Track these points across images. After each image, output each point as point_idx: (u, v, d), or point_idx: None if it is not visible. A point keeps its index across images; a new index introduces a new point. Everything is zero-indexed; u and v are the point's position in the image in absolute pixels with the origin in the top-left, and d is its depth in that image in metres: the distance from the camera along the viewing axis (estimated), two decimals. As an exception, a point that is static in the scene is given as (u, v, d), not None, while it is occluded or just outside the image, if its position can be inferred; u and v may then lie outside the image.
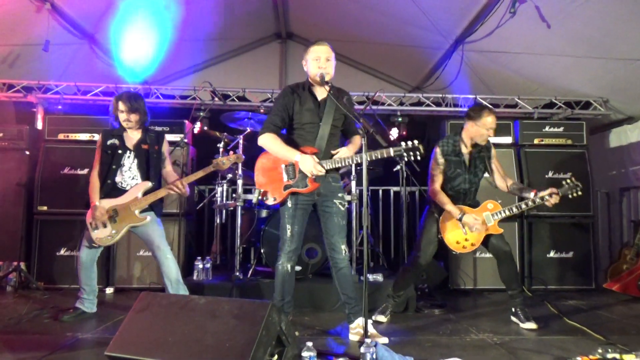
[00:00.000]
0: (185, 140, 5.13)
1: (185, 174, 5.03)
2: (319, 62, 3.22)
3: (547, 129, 5.56)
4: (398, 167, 5.30)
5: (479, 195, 3.95)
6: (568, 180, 3.66)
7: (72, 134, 5.27)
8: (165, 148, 4.01)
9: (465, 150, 3.86)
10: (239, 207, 4.74)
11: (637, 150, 5.80)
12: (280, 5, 6.35)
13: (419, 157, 3.12)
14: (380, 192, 6.77)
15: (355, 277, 4.38)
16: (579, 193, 3.62)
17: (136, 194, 3.72)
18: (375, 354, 2.57)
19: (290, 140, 3.32)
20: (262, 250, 4.61)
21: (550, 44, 4.94)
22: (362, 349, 2.54)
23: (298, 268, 4.45)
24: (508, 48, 5.28)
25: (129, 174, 3.81)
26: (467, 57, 5.73)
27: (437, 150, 3.85)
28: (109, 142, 3.83)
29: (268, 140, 3.26)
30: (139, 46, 5.71)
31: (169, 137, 5.07)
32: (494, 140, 5.41)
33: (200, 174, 3.76)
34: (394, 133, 5.98)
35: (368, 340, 2.60)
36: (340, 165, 3.19)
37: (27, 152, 5.23)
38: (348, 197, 4.66)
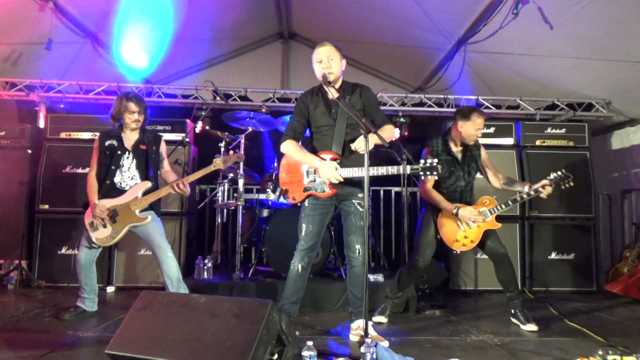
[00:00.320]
0: (187, 140, 5.14)
1: (187, 173, 5.04)
2: (321, 63, 3.24)
3: (549, 130, 5.55)
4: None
5: (475, 195, 3.95)
6: (559, 172, 3.65)
7: (74, 133, 5.28)
8: (163, 149, 4.03)
9: (455, 148, 3.88)
10: (240, 207, 4.74)
11: (639, 153, 5.79)
12: (282, 5, 6.35)
13: (436, 177, 3.13)
14: (382, 192, 6.76)
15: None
16: (571, 184, 3.62)
17: (136, 194, 3.73)
18: (375, 354, 2.57)
19: (312, 144, 3.37)
20: (263, 250, 4.61)
21: (552, 46, 4.93)
22: (363, 349, 2.54)
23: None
24: (510, 49, 5.27)
25: (128, 174, 3.82)
26: (470, 58, 5.72)
27: (427, 150, 3.87)
28: (107, 143, 3.84)
29: (288, 147, 3.31)
30: (141, 45, 5.71)
31: (171, 136, 5.13)
32: (496, 141, 5.48)
33: (201, 173, 3.77)
34: (395, 133, 5.96)
35: (368, 341, 2.59)
36: (358, 175, 3.18)
37: (29, 151, 5.25)
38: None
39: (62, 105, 5.71)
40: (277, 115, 5.46)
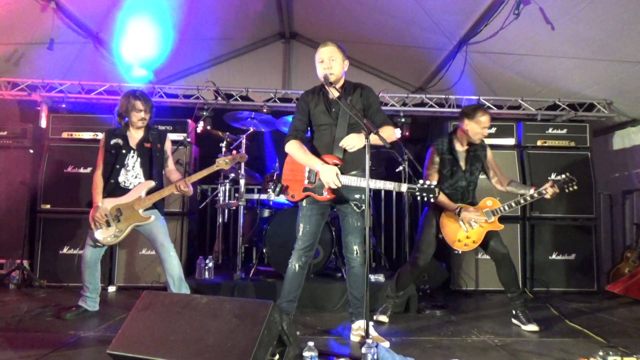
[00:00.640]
0: (188, 140, 5.14)
1: (188, 173, 5.05)
2: (323, 63, 3.24)
3: (550, 130, 5.55)
4: (400, 167, 5.30)
5: (478, 196, 3.95)
6: (563, 175, 3.66)
7: (76, 133, 5.29)
8: (168, 146, 4.03)
9: (460, 148, 3.88)
10: (242, 207, 4.75)
11: (640, 153, 5.80)
12: (284, 5, 6.35)
13: (432, 200, 3.10)
14: (383, 192, 6.76)
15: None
16: (575, 187, 3.63)
17: (139, 193, 3.74)
18: (376, 355, 2.57)
19: (311, 143, 3.38)
20: (264, 250, 4.61)
21: (554, 46, 4.93)
22: (364, 350, 2.54)
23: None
24: (512, 49, 5.27)
25: (132, 172, 3.83)
26: (471, 58, 5.73)
27: (433, 149, 3.88)
28: (112, 142, 3.84)
29: (292, 148, 3.32)
30: (143, 45, 5.72)
31: (172, 136, 5.11)
32: (497, 141, 5.47)
33: (203, 173, 3.78)
34: (397, 134, 5.96)
35: (369, 341, 2.60)
36: (356, 185, 3.17)
37: (31, 151, 5.26)
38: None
39: (63, 105, 5.72)
40: (278, 115, 5.47)
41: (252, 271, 4.68)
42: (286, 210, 4.78)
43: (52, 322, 3.64)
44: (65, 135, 5.28)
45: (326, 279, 4.64)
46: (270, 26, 7.09)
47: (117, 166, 3.80)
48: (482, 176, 3.99)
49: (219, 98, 5.74)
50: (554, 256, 5.32)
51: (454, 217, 3.74)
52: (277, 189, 3.38)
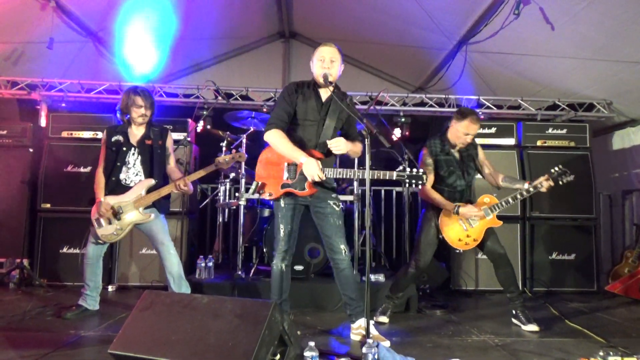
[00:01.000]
0: (188, 139, 5.14)
1: (188, 172, 5.04)
2: (323, 62, 3.24)
3: (550, 130, 5.56)
4: (401, 167, 5.30)
5: (475, 194, 3.96)
6: (557, 168, 3.66)
7: (76, 132, 5.29)
8: (170, 143, 4.01)
9: (452, 148, 3.87)
10: (242, 206, 4.75)
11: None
12: (283, 5, 6.35)
13: (419, 187, 3.13)
14: (383, 192, 6.77)
15: (357, 277, 4.39)
16: (570, 178, 3.63)
17: (140, 192, 3.73)
18: (377, 355, 2.57)
19: (290, 135, 3.25)
20: (264, 250, 4.62)
21: (554, 46, 4.93)
22: (364, 349, 2.54)
23: (300, 268, 4.47)
24: (512, 49, 5.27)
25: (133, 170, 3.82)
26: (471, 58, 5.73)
27: (425, 151, 3.87)
28: (113, 139, 3.84)
29: (275, 137, 3.20)
30: (142, 44, 5.72)
31: (172, 135, 5.09)
32: (497, 141, 5.49)
33: (203, 172, 3.78)
34: (397, 133, 5.98)
35: (370, 341, 2.60)
36: (341, 176, 3.17)
37: (31, 150, 5.26)
38: (349, 197, 4.68)
39: (63, 104, 5.71)
40: (278, 114, 5.45)
41: (252, 270, 4.68)
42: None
43: (52, 321, 3.64)
44: (65, 134, 5.27)
45: (326, 278, 4.63)
46: (270, 25, 7.09)
47: (118, 163, 3.80)
48: (478, 175, 4.00)
49: (219, 97, 5.73)
50: (553, 256, 5.33)
51: (453, 217, 3.73)
52: (253, 188, 3.32)
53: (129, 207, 3.71)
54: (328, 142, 3.18)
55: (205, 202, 6.21)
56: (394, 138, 5.88)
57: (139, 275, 5.05)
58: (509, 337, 3.44)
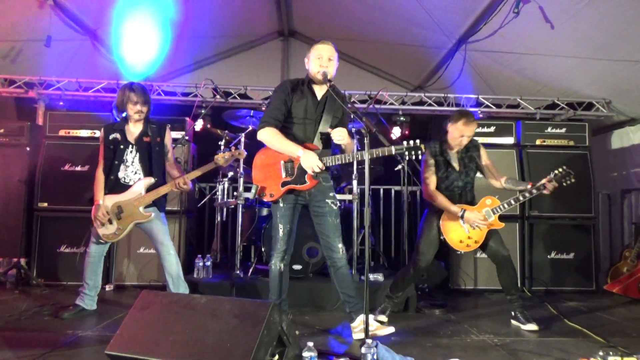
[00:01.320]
0: (187, 138, 5.12)
1: (187, 171, 5.02)
2: (321, 60, 3.22)
3: (549, 129, 5.54)
4: (399, 166, 5.29)
5: (477, 195, 3.94)
6: (560, 169, 3.64)
7: (73, 131, 5.25)
8: (168, 140, 3.96)
9: (451, 150, 3.86)
10: (240, 205, 4.73)
11: (639, 152, 5.79)
12: (283, 3, 6.33)
13: (420, 157, 3.10)
14: (382, 191, 6.76)
15: (355, 276, 4.38)
16: (572, 180, 3.62)
17: (139, 191, 3.71)
18: (376, 354, 2.56)
19: (286, 134, 3.24)
20: (262, 249, 4.60)
21: (553, 45, 4.92)
22: (363, 349, 2.53)
23: (298, 267, 4.45)
24: (511, 48, 5.26)
25: (132, 168, 3.79)
26: (470, 56, 5.72)
27: (427, 152, 3.85)
28: (110, 137, 3.80)
29: (269, 135, 3.19)
30: (140, 43, 5.69)
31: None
32: (496, 140, 5.48)
33: (202, 170, 3.75)
34: (396, 132, 5.96)
35: (369, 341, 2.59)
36: (340, 162, 3.17)
37: (28, 148, 5.22)
38: (348, 197, 4.67)
39: (61, 103, 5.69)
40: (277, 113, 5.44)
41: (250, 270, 4.66)
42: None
43: (49, 321, 3.62)
44: (62, 132, 5.24)
45: (325, 277, 4.60)
46: (269, 24, 7.07)
47: (116, 162, 3.77)
48: (479, 175, 3.98)
49: (218, 96, 5.72)
50: (552, 255, 5.32)
51: (455, 219, 3.72)
52: (253, 191, 3.31)
53: (129, 206, 3.69)
54: (331, 130, 3.17)
55: (203, 202, 6.19)
56: (393, 137, 5.86)
57: (137, 274, 5.03)
58: (509, 337, 3.43)
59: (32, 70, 5.61)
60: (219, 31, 6.55)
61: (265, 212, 5.08)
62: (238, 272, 4.55)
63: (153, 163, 3.82)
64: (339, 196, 4.15)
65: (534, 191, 3.63)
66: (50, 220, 5.08)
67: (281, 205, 3.27)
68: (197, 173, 3.78)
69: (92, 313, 3.85)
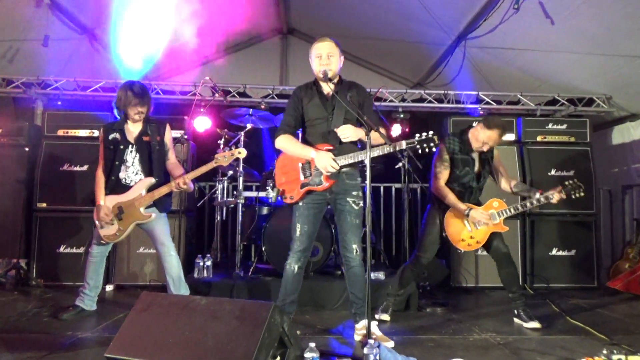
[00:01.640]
0: (185, 137, 5.09)
1: (186, 170, 4.99)
2: (321, 59, 3.21)
3: (550, 126, 5.52)
4: (400, 164, 5.26)
5: (483, 195, 3.91)
6: (571, 181, 3.62)
7: (72, 130, 5.22)
8: (168, 138, 3.91)
9: (472, 150, 3.81)
10: (240, 204, 4.71)
11: (639, 148, 5.77)
12: (281, 1, 6.30)
13: (433, 149, 3.03)
14: (382, 189, 6.74)
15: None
16: (582, 194, 3.59)
17: (140, 191, 3.68)
18: (378, 355, 2.54)
19: (304, 139, 3.33)
20: (263, 248, 4.58)
21: (553, 41, 4.90)
22: (366, 350, 2.51)
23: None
24: (511, 44, 5.23)
25: (132, 169, 3.75)
26: (470, 53, 5.69)
27: (442, 147, 3.78)
28: (110, 137, 3.76)
29: (284, 142, 3.27)
30: (139, 41, 5.66)
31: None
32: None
33: (203, 169, 3.71)
34: (396, 129, 5.94)
35: (371, 341, 2.57)
36: (353, 160, 3.14)
37: (27, 149, 5.19)
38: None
39: (59, 102, 5.66)
40: (276, 112, 5.41)
41: (251, 269, 4.65)
42: (285, 207, 4.73)
43: (49, 322, 3.60)
44: (61, 132, 5.21)
45: (326, 277, 4.62)
46: (267, 22, 7.03)
47: (117, 162, 3.73)
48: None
49: (217, 95, 5.69)
50: (554, 252, 5.31)
51: (460, 216, 3.69)
52: (275, 194, 3.34)
53: (129, 207, 3.67)
54: (336, 130, 3.16)
55: (203, 201, 6.17)
56: (393, 134, 5.84)
57: (137, 274, 5.00)
58: (511, 335, 3.41)
59: (30, 70, 5.57)
60: (217, 29, 6.51)
61: (265, 211, 5.06)
62: (238, 271, 4.54)
63: (153, 163, 3.78)
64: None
65: (542, 199, 3.60)
66: (50, 220, 5.05)
67: (300, 204, 3.27)
68: (198, 172, 3.74)
69: (92, 314, 3.83)
